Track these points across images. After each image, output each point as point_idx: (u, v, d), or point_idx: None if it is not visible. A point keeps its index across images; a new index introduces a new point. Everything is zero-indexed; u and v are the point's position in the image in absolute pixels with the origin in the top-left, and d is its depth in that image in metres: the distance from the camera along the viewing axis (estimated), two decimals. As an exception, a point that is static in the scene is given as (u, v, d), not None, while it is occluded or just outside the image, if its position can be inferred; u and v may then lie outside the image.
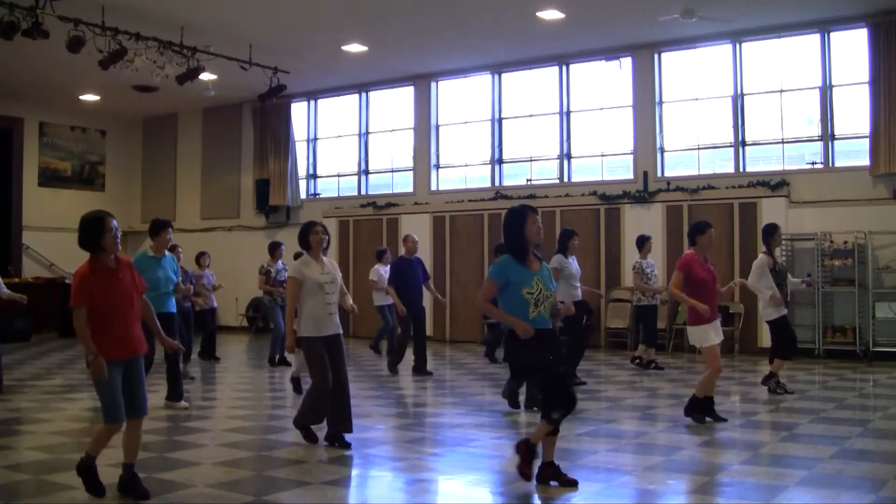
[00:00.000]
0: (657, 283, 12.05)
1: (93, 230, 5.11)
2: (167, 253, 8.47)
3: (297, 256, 10.77)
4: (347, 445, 6.61)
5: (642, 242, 11.96)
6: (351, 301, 7.07)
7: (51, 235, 18.90)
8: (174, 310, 8.45)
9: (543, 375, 5.46)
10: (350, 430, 6.71)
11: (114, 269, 5.16)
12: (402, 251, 11.80)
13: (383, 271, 12.57)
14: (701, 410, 7.60)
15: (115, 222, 5.19)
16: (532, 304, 5.36)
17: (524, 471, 5.54)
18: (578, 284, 10.04)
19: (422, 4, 13.02)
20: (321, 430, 6.79)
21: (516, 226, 5.50)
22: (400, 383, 10.73)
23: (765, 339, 13.77)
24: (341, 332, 6.80)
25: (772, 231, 9.45)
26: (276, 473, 5.91)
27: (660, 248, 14.64)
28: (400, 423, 8.12)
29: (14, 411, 8.55)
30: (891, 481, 5.52)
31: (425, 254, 16.41)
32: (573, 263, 10.03)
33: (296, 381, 9.73)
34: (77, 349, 13.53)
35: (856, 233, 13.01)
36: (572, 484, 5.43)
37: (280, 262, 12.56)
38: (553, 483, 5.45)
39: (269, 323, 13.85)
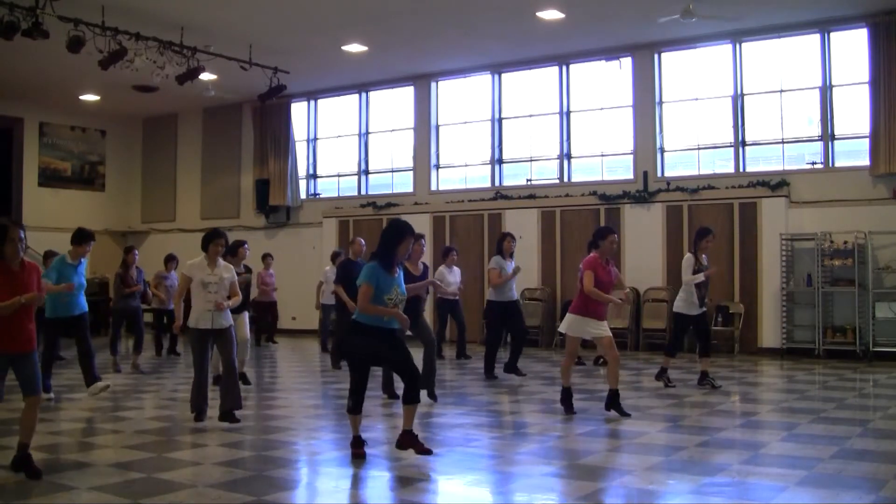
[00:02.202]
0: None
1: None
2: (83, 259, 9.19)
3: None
4: (237, 420, 7.47)
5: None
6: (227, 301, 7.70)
7: (51, 235, 18.80)
8: (85, 309, 9.31)
9: (397, 362, 6.18)
10: (240, 407, 7.60)
11: (14, 271, 5.66)
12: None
13: (331, 273, 13.02)
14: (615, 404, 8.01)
15: (21, 233, 5.67)
16: (391, 307, 6.10)
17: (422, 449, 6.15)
18: (514, 285, 10.82)
19: (422, 4, 13.02)
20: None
21: (394, 239, 6.21)
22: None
23: (765, 339, 13.81)
24: (229, 324, 7.63)
25: (703, 235, 9.92)
26: (276, 473, 5.90)
27: (660, 248, 14.65)
28: (399, 424, 8.11)
29: (14, 411, 8.52)
30: (891, 481, 5.52)
31: (425, 254, 16.43)
32: (510, 266, 10.77)
33: (241, 375, 9.89)
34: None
35: (856, 233, 13.01)
36: (427, 452, 6.11)
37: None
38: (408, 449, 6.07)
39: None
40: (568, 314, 8.12)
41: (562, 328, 8.21)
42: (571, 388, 8.25)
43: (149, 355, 13.44)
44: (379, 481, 5.89)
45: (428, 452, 6.11)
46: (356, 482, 5.86)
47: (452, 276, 12.43)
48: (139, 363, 12.02)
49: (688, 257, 9.86)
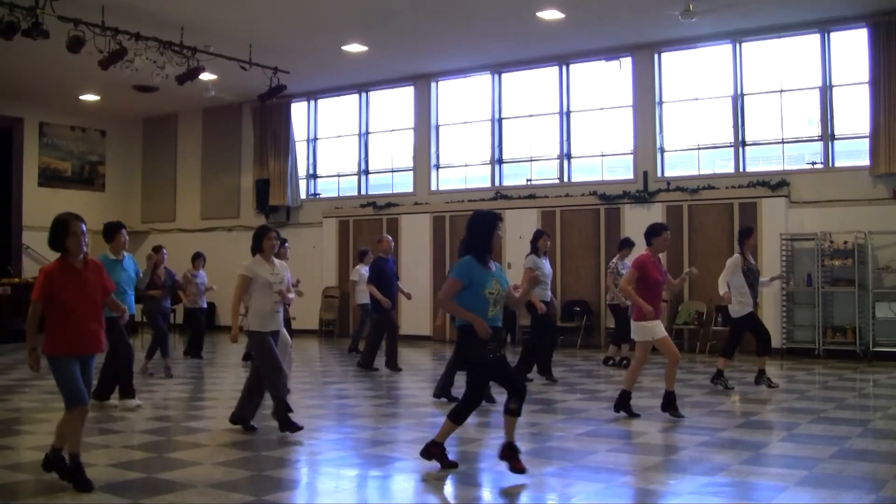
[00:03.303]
0: None
1: (57, 232, 5.36)
2: (125, 253, 8.60)
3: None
4: (253, 429, 7.20)
5: (624, 246, 11.92)
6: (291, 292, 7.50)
7: (51, 235, 18.86)
8: (133, 310, 8.77)
9: (497, 371, 5.73)
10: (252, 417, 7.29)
11: (78, 269, 5.38)
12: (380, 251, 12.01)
13: (364, 271, 12.78)
14: (671, 406, 7.90)
15: (83, 226, 5.38)
16: (492, 303, 5.68)
17: (516, 466, 5.71)
18: (549, 284, 10.46)
19: (422, 4, 13.02)
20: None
21: (485, 230, 5.79)
22: (400, 383, 10.73)
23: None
24: (283, 328, 7.38)
25: (747, 234, 9.82)
26: (276, 473, 5.90)
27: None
28: (400, 423, 8.12)
29: (14, 411, 8.55)
30: (891, 481, 5.52)
31: (425, 254, 16.45)
32: (546, 264, 10.39)
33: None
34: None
35: (856, 233, 13.01)
36: (452, 465, 5.81)
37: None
38: (504, 463, 5.68)
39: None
40: (632, 322, 7.95)
41: (634, 336, 8.03)
42: (631, 391, 8.01)
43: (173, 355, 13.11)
44: (379, 481, 5.89)
45: (453, 465, 5.82)
46: (356, 482, 5.86)
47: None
48: (170, 366, 11.23)
49: (735, 258, 9.70)
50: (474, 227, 5.85)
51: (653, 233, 7.98)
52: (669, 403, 7.91)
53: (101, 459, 6.14)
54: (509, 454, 5.69)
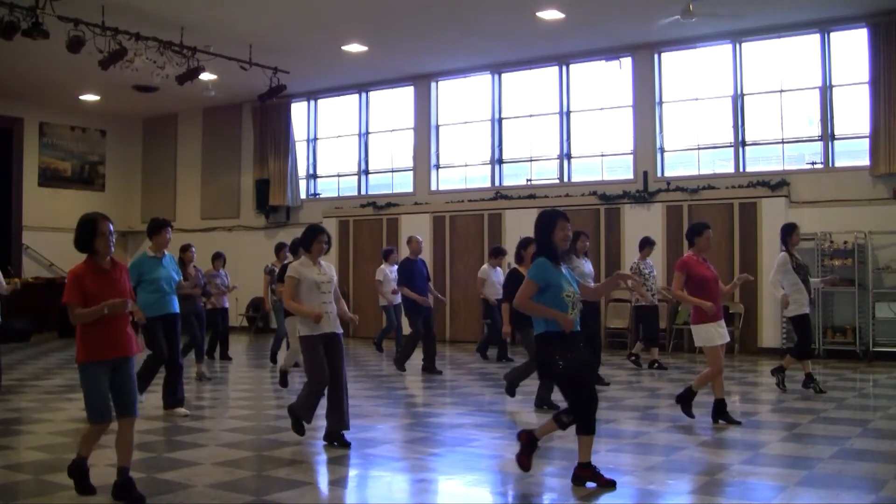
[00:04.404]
0: (655, 284, 12.10)
1: (85, 232, 5.17)
2: (166, 252, 8.34)
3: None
4: (347, 445, 6.62)
5: (644, 245, 11.98)
6: (348, 312, 7.13)
7: (51, 235, 18.88)
8: (178, 310, 8.33)
9: (572, 378, 5.44)
10: (347, 428, 6.72)
11: (108, 270, 5.21)
12: (406, 252, 12.01)
13: (389, 271, 12.68)
14: (711, 410, 7.67)
15: (111, 226, 5.22)
16: (571, 305, 5.44)
17: (522, 460, 5.65)
18: (592, 284, 10.04)
19: (422, 4, 13.02)
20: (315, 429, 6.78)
21: (546, 229, 5.54)
22: (400, 383, 10.73)
23: (765, 339, 13.81)
24: (340, 331, 6.83)
25: (790, 230, 9.46)
26: (276, 473, 5.90)
27: (660, 248, 14.62)
28: (400, 423, 8.12)
29: (14, 411, 8.55)
30: (891, 481, 5.52)
31: (425, 254, 16.42)
32: (585, 264, 10.18)
33: (283, 375, 9.93)
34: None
35: (856, 233, 13.01)
36: (610, 484, 5.37)
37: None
38: (590, 485, 5.40)
39: (275, 322, 13.90)
40: (693, 326, 7.63)
41: (698, 342, 7.69)
42: (725, 399, 7.69)
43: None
44: (379, 481, 5.89)
45: (610, 484, 5.39)
46: (356, 482, 5.86)
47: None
48: (203, 371, 10.90)
49: (782, 256, 9.34)
50: (537, 228, 5.62)
51: (695, 232, 7.75)
52: (720, 411, 7.58)
53: (101, 459, 6.14)
54: (589, 474, 5.42)
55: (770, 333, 13.74)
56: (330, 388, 6.68)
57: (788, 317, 9.68)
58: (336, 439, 6.67)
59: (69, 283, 5.14)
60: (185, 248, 11.19)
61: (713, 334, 7.49)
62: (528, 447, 5.64)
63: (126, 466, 5.18)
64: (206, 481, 5.56)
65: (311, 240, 6.87)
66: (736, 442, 6.87)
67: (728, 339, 7.69)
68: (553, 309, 5.38)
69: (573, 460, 6.16)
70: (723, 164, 14.93)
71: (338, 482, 5.82)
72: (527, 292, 5.45)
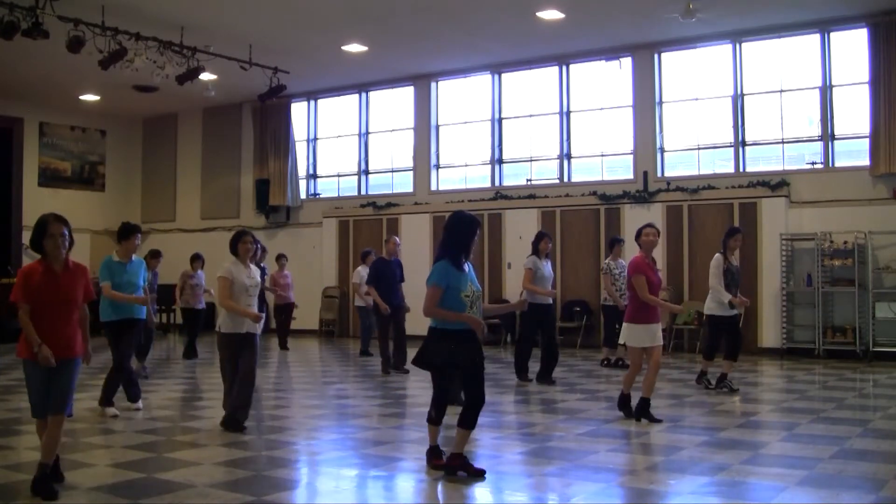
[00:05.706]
0: (625, 285, 12.06)
1: (36, 233, 5.24)
2: (134, 258, 8.26)
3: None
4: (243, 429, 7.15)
5: (614, 244, 11.94)
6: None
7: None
8: (139, 315, 8.21)
9: (469, 374, 5.70)
10: (245, 419, 7.24)
11: (57, 272, 5.21)
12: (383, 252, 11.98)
13: (365, 273, 12.56)
14: (638, 409, 7.72)
15: (65, 229, 5.22)
16: (469, 305, 5.65)
17: (438, 463, 5.83)
18: (549, 286, 10.39)
19: (422, 4, 13.02)
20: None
21: (465, 232, 5.76)
22: (400, 383, 10.73)
23: (765, 339, 13.81)
24: (257, 332, 7.37)
25: (731, 234, 9.70)
26: (276, 473, 5.90)
27: (660, 248, 14.61)
28: (400, 423, 8.12)
29: (14, 411, 8.55)
30: (891, 481, 5.52)
31: (425, 254, 16.43)
32: (546, 266, 10.35)
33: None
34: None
35: (856, 233, 13.01)
36: (479, 474, 5.62)
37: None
38: (461, 473, 5.64)
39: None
40: (625, 323, 7.76)
41: (623, 339, 7.84)
42: (631, 394, 7.89)
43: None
44: (379, 481, 5.89)
45: (479, 474, 5.64)
46: (356, 482, 5.86)
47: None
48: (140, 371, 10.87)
49: (717, 258, 9.50)
50: (453, 227, 5.79)
51: (637, 234, 8.01)
52: (643, 409, 7.70)
53: (101, 459, 6.14)
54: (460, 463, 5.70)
55: (770, 333, 13.74)
56: (241, 382, 7.19)
57: (706, 314, 9.79)
58: (233, 426, 7.15)
59: (17, 281, 5.25)
60: (155, 255, 11.53)
61: (641, 336, 7.64)
62: (465, 464, 5.71)
63: (46, 463, 5.19)
64: (206, 481, 5.56)
65: (237, 242, 7.28)
66: (736, 442, 6.87)
67: (661, 342, 7.77)
68: (462, 313, 5.59)
69: (573, 460, 6.18)
70: (723, 164, 14.93)
71: (338, 482, 5.82)
72: (434, 298, 5.63)
